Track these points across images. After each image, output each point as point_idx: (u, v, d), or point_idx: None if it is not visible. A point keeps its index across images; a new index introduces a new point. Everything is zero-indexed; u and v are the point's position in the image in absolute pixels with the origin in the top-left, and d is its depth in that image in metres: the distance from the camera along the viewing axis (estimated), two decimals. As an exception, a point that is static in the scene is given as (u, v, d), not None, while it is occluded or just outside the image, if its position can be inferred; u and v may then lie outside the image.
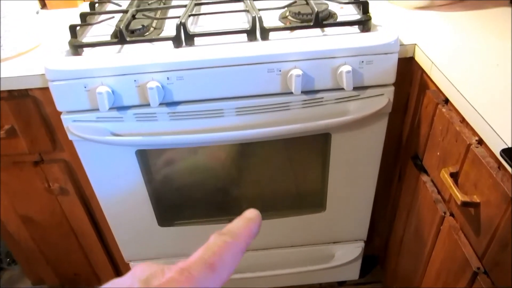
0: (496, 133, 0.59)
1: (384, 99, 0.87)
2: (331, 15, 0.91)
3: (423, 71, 0.83)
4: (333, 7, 0.93)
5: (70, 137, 0.88)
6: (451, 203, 0.76)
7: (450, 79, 0.72)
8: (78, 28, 0.86)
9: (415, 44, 0.84)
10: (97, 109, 0.82)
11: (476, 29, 0.90)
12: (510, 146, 0.57)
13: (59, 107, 0.85)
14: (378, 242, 1.27)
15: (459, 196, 0.66)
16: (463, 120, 0.70)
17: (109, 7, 1.01)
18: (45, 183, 1.03)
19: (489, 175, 0.62)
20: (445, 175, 0.71)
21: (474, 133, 0.67)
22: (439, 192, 0.82)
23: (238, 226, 0.27)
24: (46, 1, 1.16)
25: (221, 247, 0.25)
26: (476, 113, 0.64)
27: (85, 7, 1.07)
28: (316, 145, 0.98)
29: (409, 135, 0.96)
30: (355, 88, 0.84)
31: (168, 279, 0.22)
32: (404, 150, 0.99)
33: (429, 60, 0.79)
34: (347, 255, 1.21)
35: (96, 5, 0.99)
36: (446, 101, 0.76)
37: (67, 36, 0.86)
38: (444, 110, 0.76)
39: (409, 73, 0.90)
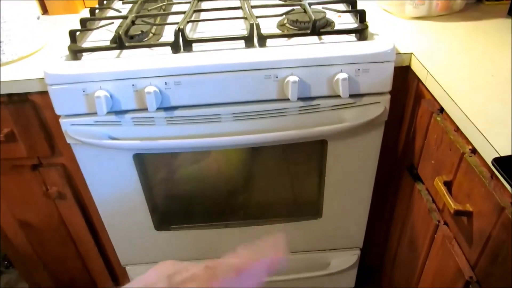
0: (489, 142, 0.59)
1: (380, 107, 0.87)
2: (329, 23, 0.92)
3: (419, 80, 0.83)
4: (331, 15, 0.93)
5: (68, 140, 0.89)
6: (445, 212, 0.76)
7: (445, 88, 0.73)
8: (77, 33, 0.87)
9: (411, 53, 0.85)
10: (95, 113, 0.83)
11: (473, 40, 0.91)
12: (502, 155, 0.57)
13: (57, 111, 0.85)
14: (374, 252, 1.26)
15: (452, 205, 0.66)
16: (457, 130, 0.71)
17: (109, 13, 1.02)
18: (43, 187, 1.03)
19: (482, 184, 0.62)
20: (438, 184, 0.71)
21: (468, 142, 0.67)
22: (433, 201, 0.82)
23: (268, 245, 0.26)
24: (47, 7, 1.18)
25: (250, 259, 0.25)
26: (469, 122, 0.64)
27: (85, 13, 1.09)
28: (312, 152, 0.98)
29: (404, 145, 0.96)
30: (351, 96, 0.84)
31: (191, 275, 0.22)
32: (400, 159, 0.99)
33: (425, 69, 0.79)
34: (343, 262, 1.21)
35: (97, 11, 1.00)
36: (441, 110, 0.77)
37: (67, 41, 0.87)
38: (438, 119, 0.76)
39: (405, 82, 0.90)
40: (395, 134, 0.99)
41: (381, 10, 1.08)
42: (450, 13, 1.03)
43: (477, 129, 0.62)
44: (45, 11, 1.19)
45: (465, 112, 0.66)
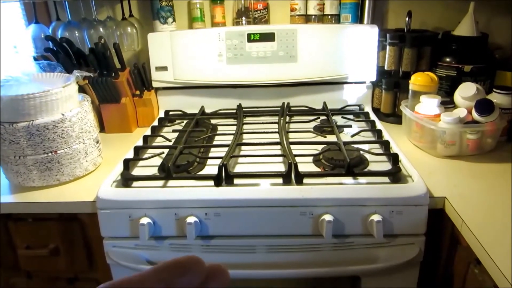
0: (532, 312, 0.58)
1: (415, 248, 0.87)
2: (363, 161, 0.97)
3: (453, 225, 0.84)
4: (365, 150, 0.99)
5: (109, 261, 0.92)
6: None
7: (481, 241, 0.73)
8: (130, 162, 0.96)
9: (445, 197, 0.87)
10: (137, 237, 0.87)
11: (505, 184, 0.92)
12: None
13: (103, 233, 0.90)
14: None
15: None
16: (497, 287, 0.69)
17: (158, 139, 1.13)
18: (76, 301, 1.05)
19: None
20: None
21: (510, 303, 0.65)
22: None
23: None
24: (105, 125, 1.31)
25: None
26: (509, 284, 0.63)
27: (138, 132, 1.20)
28: (345, 285, 0.97)
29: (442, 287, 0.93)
30: (385, 236, 0.85)
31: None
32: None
33: (459, 217, 0.80)
34: None
35: (148, 138, 1.11)
36: (479, 261, 0.76)
37: (119, 163, 0.95)
38: (476, 271, 0.75)
39: (440, 224, 0.91)
40: (432, 274, 0.97)
41: (412, 145, 1.13)
42: (481, 153, 1.07)
43: (518, 294, 0.61)
44: (102, 128, 1.32)
45: (504, 271, 0.65)
